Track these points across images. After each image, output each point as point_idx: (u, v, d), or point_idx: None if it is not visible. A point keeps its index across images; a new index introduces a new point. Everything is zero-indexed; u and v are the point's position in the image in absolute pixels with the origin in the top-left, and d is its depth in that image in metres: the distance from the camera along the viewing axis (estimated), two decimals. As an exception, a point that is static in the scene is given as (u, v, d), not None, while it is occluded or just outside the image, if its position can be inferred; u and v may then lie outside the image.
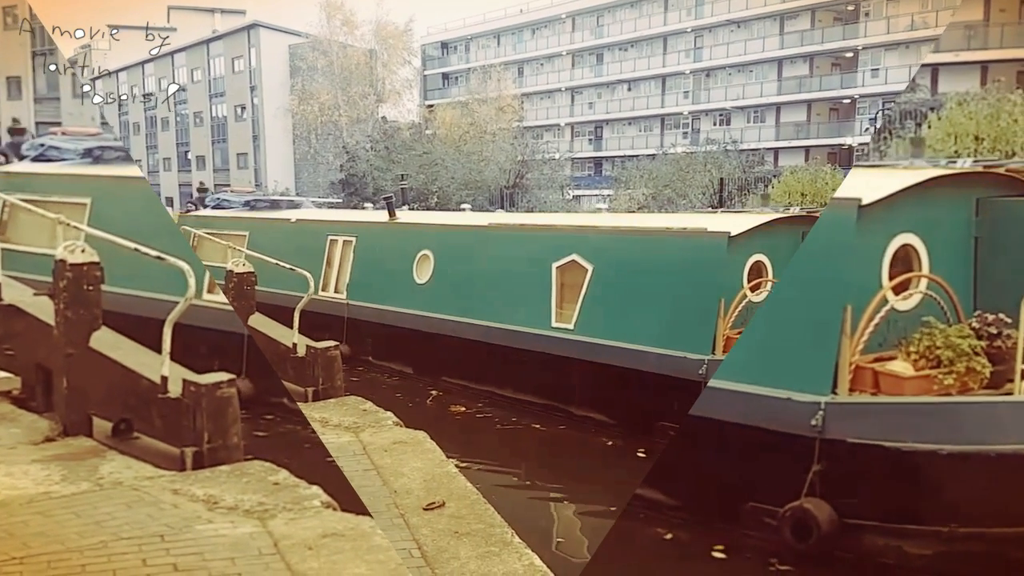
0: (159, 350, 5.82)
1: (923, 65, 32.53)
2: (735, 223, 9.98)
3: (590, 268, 10.53)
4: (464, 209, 17.59)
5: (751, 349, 6.92)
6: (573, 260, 10.72)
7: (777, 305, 7.14)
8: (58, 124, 11.09)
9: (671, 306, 9.60)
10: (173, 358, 5.82)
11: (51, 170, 9.38)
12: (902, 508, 5.82)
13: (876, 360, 6.52)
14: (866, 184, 7.03)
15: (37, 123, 11.13)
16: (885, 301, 6.49)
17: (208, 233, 14.28)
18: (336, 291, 14.39)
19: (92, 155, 9.46)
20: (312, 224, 16.24)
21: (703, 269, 9.58)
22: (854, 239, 6.62)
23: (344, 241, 14.60)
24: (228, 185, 42.74)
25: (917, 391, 6.26)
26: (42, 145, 9.72)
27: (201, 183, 34.73)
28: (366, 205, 20.34)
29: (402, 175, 17.97)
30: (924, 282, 6.83)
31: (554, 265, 10.88)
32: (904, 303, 6.73)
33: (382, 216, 15.00)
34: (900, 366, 6.47)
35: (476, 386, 11.38)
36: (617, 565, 6.19)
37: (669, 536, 6.58)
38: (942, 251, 7.08)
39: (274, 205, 18.48)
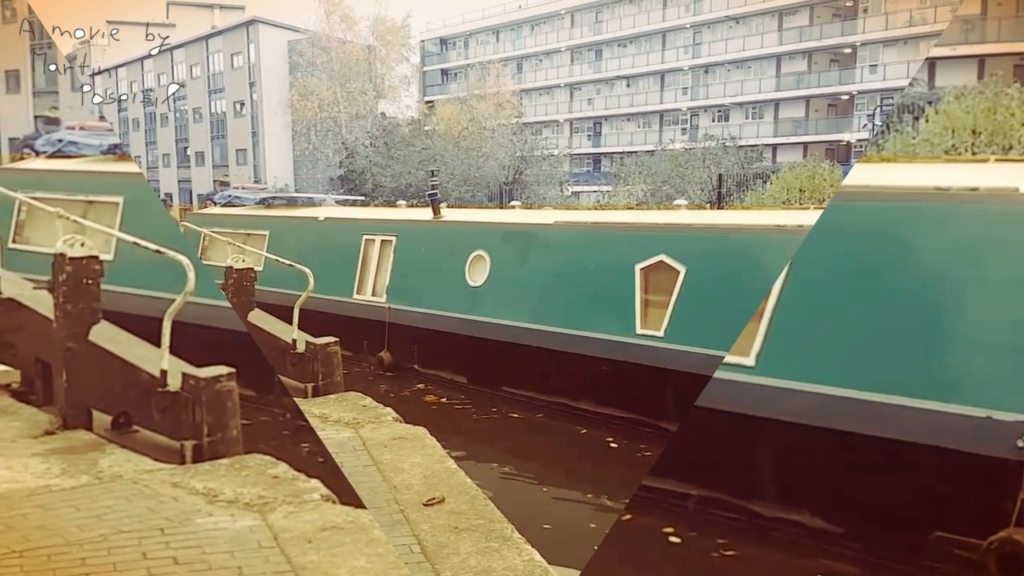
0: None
1: (922, 60, 32.52)
2: None
3: (683, 270, 9.59)
4: (514, 206, 16.19)
5: (905, 358, 6.22)
6: (661, 261, 9.79)
7: (946, 312, 6.23)
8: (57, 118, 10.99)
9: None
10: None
11: (78, 167, 8.98)
12: None
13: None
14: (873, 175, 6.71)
15: (36, 117, 11.04)
16: None
17: (223, 232, 13.47)
18: (374, 294, 13.51)
19: (118, 150, 9.12)
20: (344, 222, 15.26)
21: None
22: None
23: (382, 240, 13.70)
24: (227, 181, 42.71)
25: None
26: (60, 140, 9.39)
27: (224, 178, 34.39)
28: (399, 203, 19.31)
29: (432, 171, 16.84)
30: None
31: (638, 266, 9.96)
32: None
33: (424, 214, 14.01)
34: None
35: (545, 398, 10.54)
36: (620, 561, 6.17)
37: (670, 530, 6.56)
38: None
39: (292, 202, 17.76)
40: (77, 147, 9.27)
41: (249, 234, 15.18)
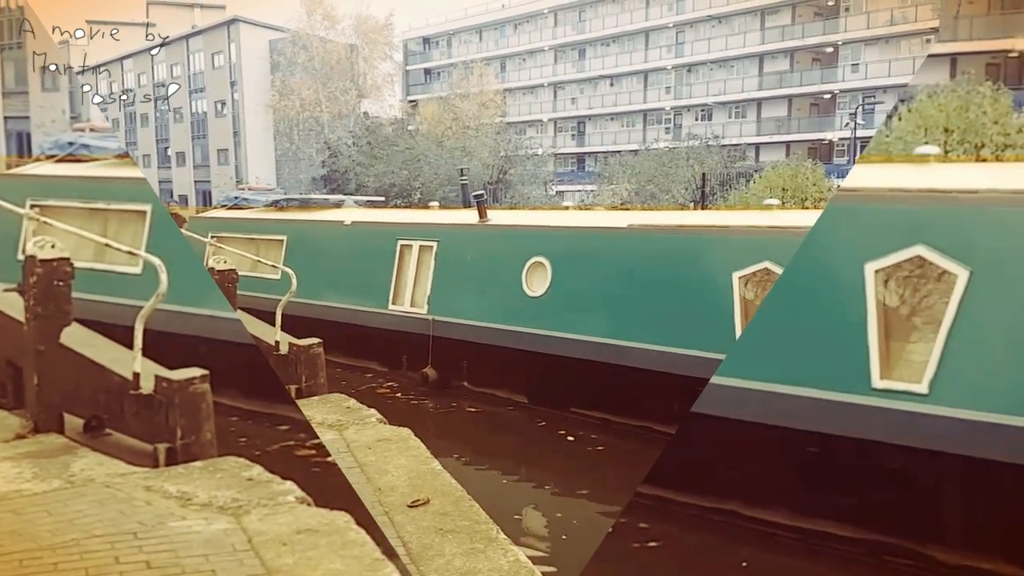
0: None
1: (903, 58, 32.79)
2: None
3: None
4: (567, 207, 14.86)
5: None
6: (765, 268, 8.73)
7: None
8: (27, 119, 10.79)
9: None
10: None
11: (95, 172, 8.41)
12: None
13: None
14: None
15: (5, 117, 10.83)
16: None
17: (232, 237, 12.56)
18: (413, 304, 12.26)
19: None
20: (375, 227, 14.01)
21: None
22: None
23: (421, 246, 12.44)
24: (209, 181, 42.43)
25: None
26: (70, 143, 8.77)
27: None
28: (432, 203, 18.26)
29: (461, 170, 15.64)
30: None
31: (736, 275, 8.91)
32: None
33: (469, 217, 12.65)
34: None
35: (624, 420, 9.43)
36: (618, 564, 6.13)
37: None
38: None
39: (306, 204, 16.55)
40: (90, 150, 8.60)
41: (263, 239, 14.15)
